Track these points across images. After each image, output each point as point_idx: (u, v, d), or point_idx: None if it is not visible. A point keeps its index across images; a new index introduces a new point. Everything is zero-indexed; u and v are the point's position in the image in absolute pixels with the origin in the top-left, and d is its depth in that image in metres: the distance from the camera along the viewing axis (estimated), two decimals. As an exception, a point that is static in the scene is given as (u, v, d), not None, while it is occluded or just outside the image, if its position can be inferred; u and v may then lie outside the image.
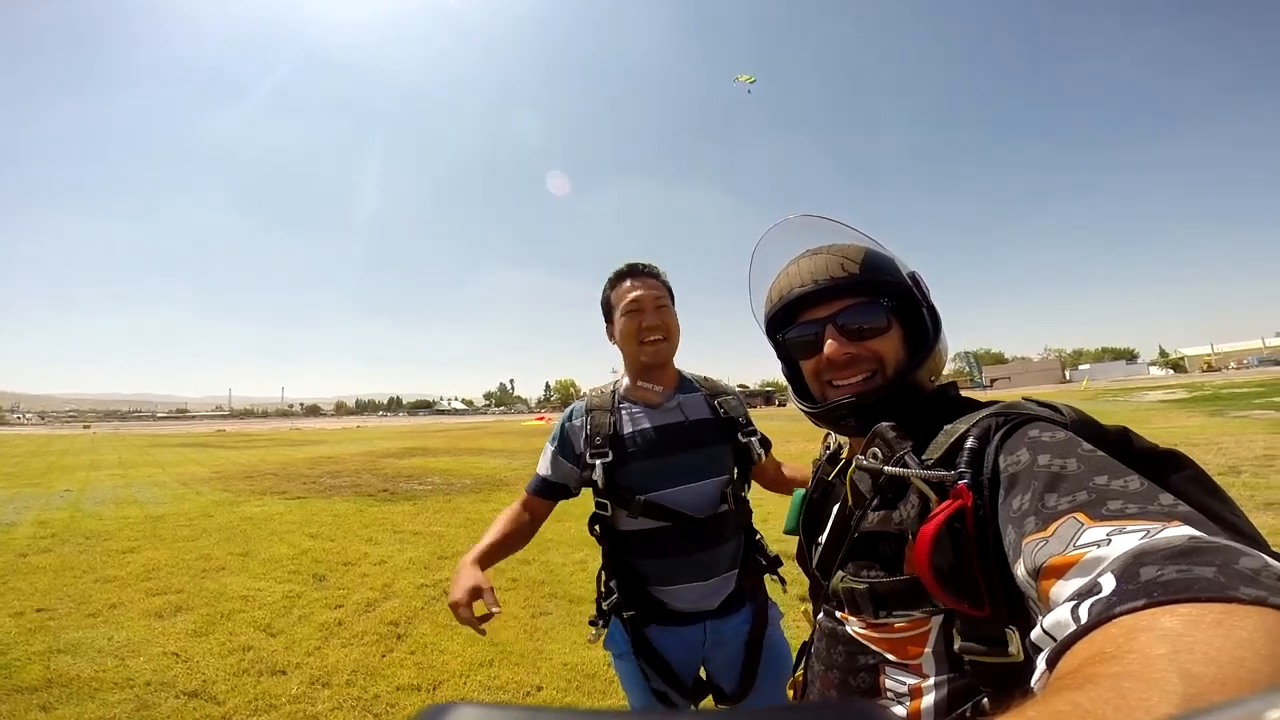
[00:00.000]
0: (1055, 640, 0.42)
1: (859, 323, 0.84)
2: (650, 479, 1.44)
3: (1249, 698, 0.19)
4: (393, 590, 4.44)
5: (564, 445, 1.53)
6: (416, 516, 7.36)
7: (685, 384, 1.61)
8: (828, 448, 1.01)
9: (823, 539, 0.90)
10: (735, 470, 1.55)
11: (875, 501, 0.78)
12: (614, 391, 1.58)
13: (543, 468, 1.55)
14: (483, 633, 1.23)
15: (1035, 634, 0.46)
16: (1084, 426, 0.67)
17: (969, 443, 0.68)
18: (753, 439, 1.56)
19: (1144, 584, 0.39)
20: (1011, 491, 0.60)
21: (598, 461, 1.44)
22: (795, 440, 16.67)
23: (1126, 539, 0.45)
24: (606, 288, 1.59)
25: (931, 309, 0.87)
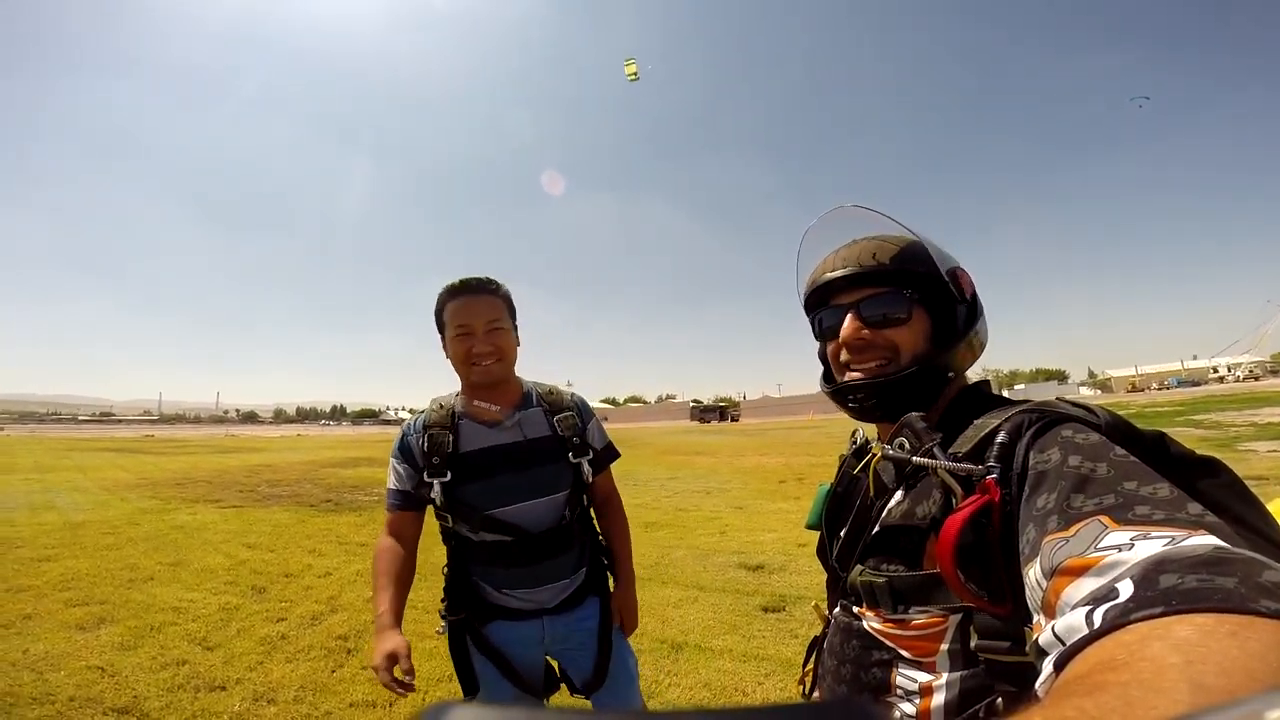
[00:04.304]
0: (1065, 645, 0.42)
1: (881, 311, 0.86)
2: (489, 497, 1.47)
3: (1249, 698, 0.19)
4: (340, 603, 4.24)
5: (409, 458, 1.52)
6: (363, 528, 7.08)
7: (526, 399, 1.60)
8: (854, 442, 1.01)
9: (844, 533, 0.90)
10: (571, 485, 1.57)
11: (898, 493, 0.79)
12: (452, 407, 1.56)
13: (397, 482, 1.53)
14: (404, 694, 1.28)
15: (1045, 638, 0.45)
16: (1118, 430, 0.66)
17: (1000, 438, 0.67)
18: (583, 460, 1.58)
19: (1163, 591, 0.39)
20: (1038, 490, 0.59)
21: (435, 481, 1.46)
22: (747, 454, 16.98)
23: (1149, 545, 0.45)
24: (439, 301, 1.55)
25: (971, 305, 0.87)
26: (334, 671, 3.11)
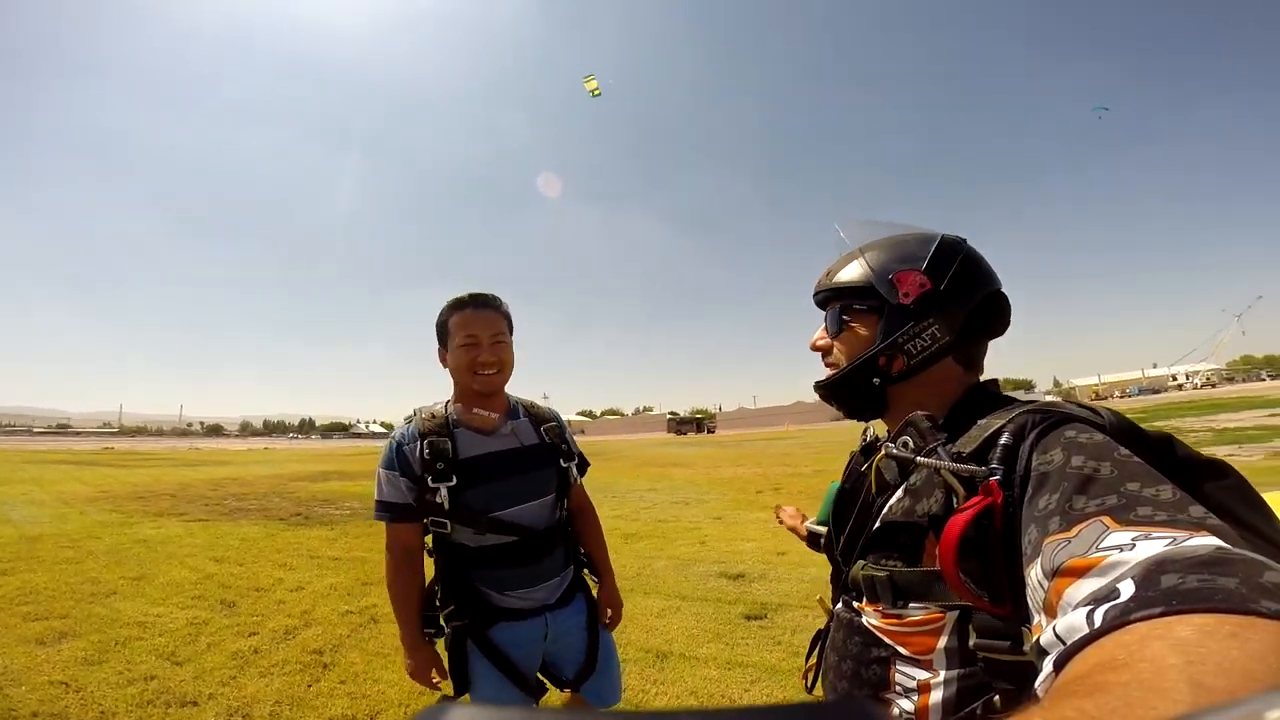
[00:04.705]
0: (1065, 644, 0.42)
1: (832, 324, 0.96)
2: (494, 500, 1.54)
3: (1249, 698, 0.19)
4: (314, 617, 4.13)
5: (405, 468, 1.53)
6: (335, 542, 6.91)
7: (514, 410, 1.69)
8: (864, 439, 1.02)
9: (848, 528, 0.92)
10: (558, 487, 1.69)
11: (899, 491, 0.81)
12: (446, 415, 1.60)
13: (393, 495, 1.53)
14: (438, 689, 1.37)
15: (1045, 638, 0.45)
16: (1123, 431, 0.66)
17: (1004, 439, 0.68)
18: (571, 464, 1.71)
19: (1164, 591, 0.39)
20: (1040, 491, 0.59)
21: (442, 486, 1.50)
22: (724, 465, 17.05)
23: (1151, 545, 0.45)
24: (444, 313, 1.62)
25: (916, 306, 0.86)
26: (310, 686, 3.03)
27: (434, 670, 1.54)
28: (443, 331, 1.62)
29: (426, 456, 1.51)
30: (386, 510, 1.54)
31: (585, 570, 1.77)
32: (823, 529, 1.22)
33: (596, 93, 30.84)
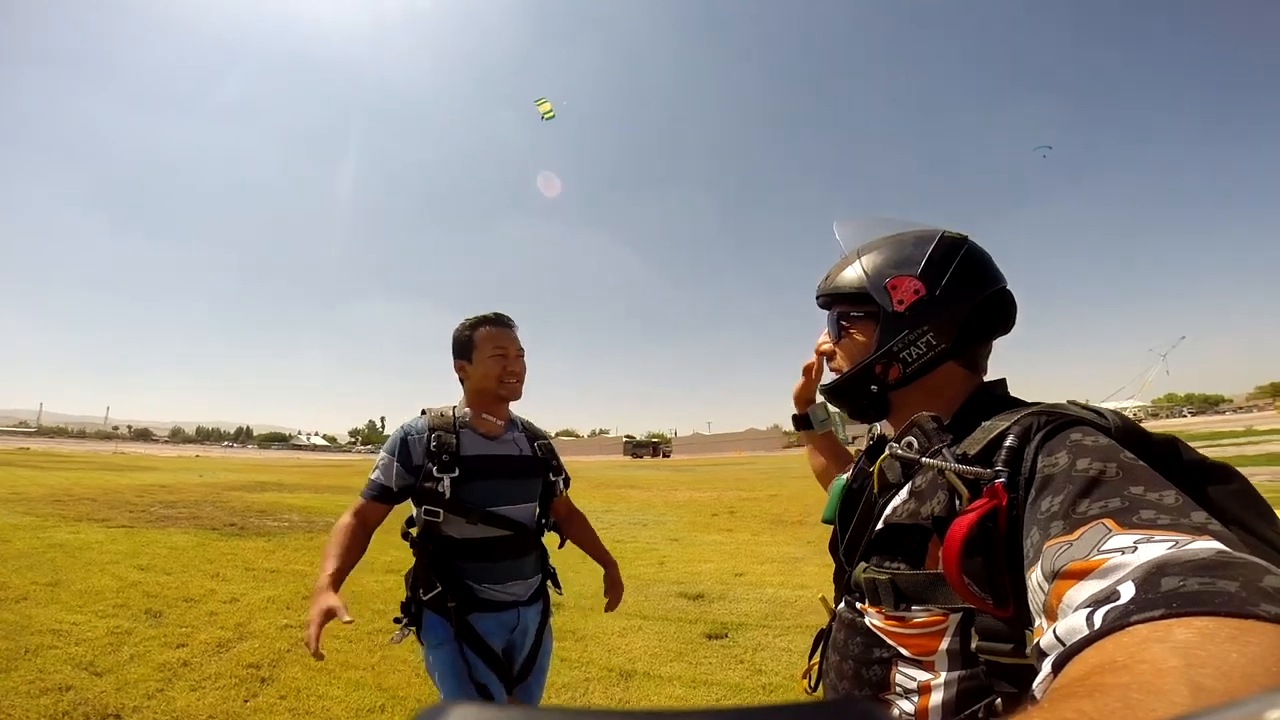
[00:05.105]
0: (1065, 646, 0.42)
1: (833, 329, 0.99)
2: (490, 496, 1.68)
3: (1248, 699, 0.19)
4: (249, 630, 3.88)
5: (404, 457, 1.65)
6: (273, 554, 6.54)
7: (513, 423, 1.87)
8: (871, 438, 1.02)
9: (850, 527, 0.91)
10: (542, 497, 1.87)
11: (904, 493, 0.80)
12: (455, 417, 1.74)
13: (383, 477, 1.65)
14: (320, 657, 1.31)
15: (1046, 640, 0.45)
16: (1129, 435, 0.65)
17: (1008, 441, 0.68)
18: (559, 478, 1.90)
19: (1164, 594, 0.39)
20: (1043, 493, 0.59)
21: (445, 476, 1.62)
22: (680, 488, 17.07)
23: (1153, 548, 0.45)
24: (468, 328, 1.78)
25: (910, 314, 0.85)
26: (247, 701, 2.82)
27: (329, 619, 1.33)
28: (465, 345, 1.77)
29: (433, 448, 1.64)
30: (371, 489, 1.65)
31: (549, 581, 1.89)
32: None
33: (549, 115, 31.07)
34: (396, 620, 1.63)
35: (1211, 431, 30.94)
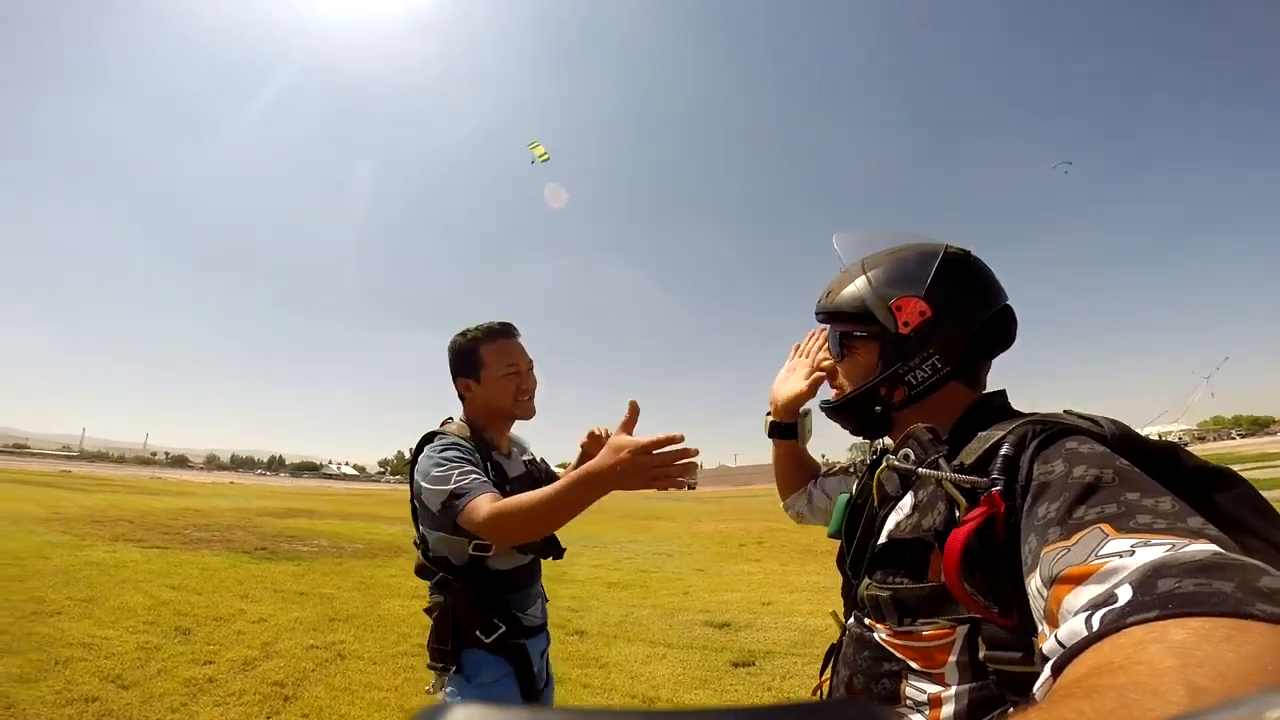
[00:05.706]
0: (1065, 649, 0.42)
1: (835, 347, 0.96)
2: None
3: (1245, 698, 0.19)
4: (275, 650, 3.89)
5: (472, 460, 1.44)
6: (302, 577, 6.59)
7: (514, 441, 1.76)
8: (874, 451, 1.02)
9: (854, 541, 0.90)
10: None
11: (904, 505, 0.80)
12: (485, 439, 1.58)
13: (477, 471, 1.40)
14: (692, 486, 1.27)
15: (1048, 645, 0.45)
16: (1126, 442, 0.66)
17: (1004, 450, 0.67)
18: None
19: (1160, 595, 0.39)
20: (1040, 500, 0.59)
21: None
22: (705, 520, 16.90)
23: (1150, 551, 0.45)
24: (475, 341, 1.57)
25: (916, 336, 0.84)
26: (270, 718, 2.81)
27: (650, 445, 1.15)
28: (470, 359, 1.57)
29: (479, 459, 1.48)
30: (481, 483, 1.35)
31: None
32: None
33: (544, 158, 31.90)
34: (431, 667, 1.46)
35: (1262, 453, 29.78)
